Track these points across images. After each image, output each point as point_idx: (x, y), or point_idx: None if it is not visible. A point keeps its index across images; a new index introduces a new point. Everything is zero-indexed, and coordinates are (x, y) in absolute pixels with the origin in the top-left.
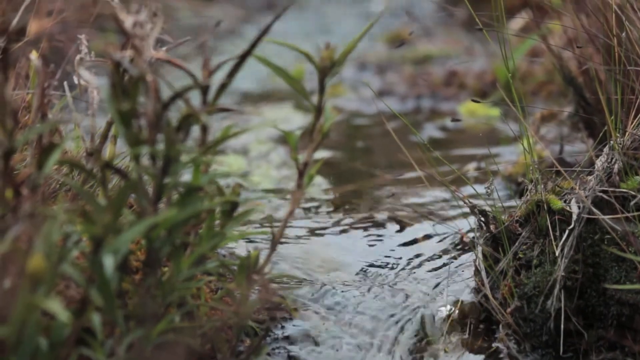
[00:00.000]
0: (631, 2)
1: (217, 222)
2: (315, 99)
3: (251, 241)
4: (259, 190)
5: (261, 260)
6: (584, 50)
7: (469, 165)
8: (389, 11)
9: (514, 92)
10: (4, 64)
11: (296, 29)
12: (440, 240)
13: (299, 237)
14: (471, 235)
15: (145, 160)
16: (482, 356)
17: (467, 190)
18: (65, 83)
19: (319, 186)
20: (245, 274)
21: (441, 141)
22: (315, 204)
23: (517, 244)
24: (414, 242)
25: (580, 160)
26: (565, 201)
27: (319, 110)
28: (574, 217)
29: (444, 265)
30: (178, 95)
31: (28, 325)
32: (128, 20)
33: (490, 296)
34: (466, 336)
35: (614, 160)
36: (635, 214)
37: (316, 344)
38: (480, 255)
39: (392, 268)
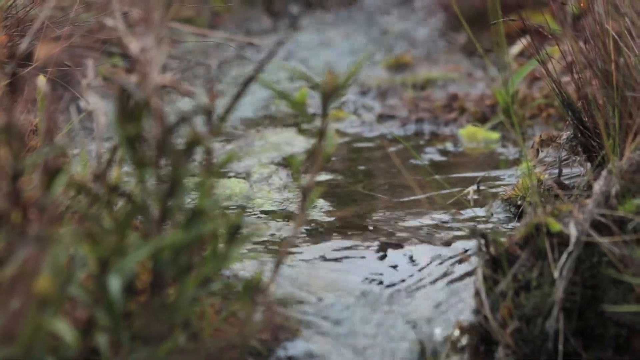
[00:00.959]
0: (629, 29)
1: (221, 244)
2: (318, 122)
3: (256, 262)
4: (261, 212)
5: (265, 281)
6: (582, 75)
7: (469, 188)
8: (393, 35)
9: (514, 116)
10: (12, 88)
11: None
12: (441, 263)
13: (301, 259)
14: (471, 257)
15: (151, 183)
16: None
17: (467, 212)
18: (73, 106)
19: (321, 208)
20: (250, 295)
21: (442, 164)
22: (317, 226)
23: (516, 265)
24: (414, 263)
25: (578, 183)
26: (563, 224)
27: (321, 134)
28: (573, 239)
29: (444, 286)
30: (183, 119)
31: (36, 345)
32: (134, 45)
33: (490, 317)
34: (466, 357)
35: (611, 183)
36: (633, 237)
37: None
38: (480, 276)
39: (393, 289)
